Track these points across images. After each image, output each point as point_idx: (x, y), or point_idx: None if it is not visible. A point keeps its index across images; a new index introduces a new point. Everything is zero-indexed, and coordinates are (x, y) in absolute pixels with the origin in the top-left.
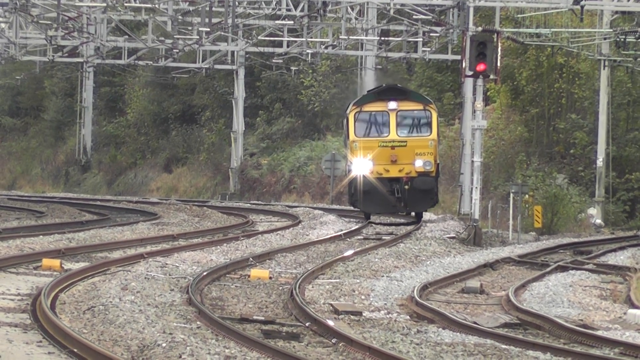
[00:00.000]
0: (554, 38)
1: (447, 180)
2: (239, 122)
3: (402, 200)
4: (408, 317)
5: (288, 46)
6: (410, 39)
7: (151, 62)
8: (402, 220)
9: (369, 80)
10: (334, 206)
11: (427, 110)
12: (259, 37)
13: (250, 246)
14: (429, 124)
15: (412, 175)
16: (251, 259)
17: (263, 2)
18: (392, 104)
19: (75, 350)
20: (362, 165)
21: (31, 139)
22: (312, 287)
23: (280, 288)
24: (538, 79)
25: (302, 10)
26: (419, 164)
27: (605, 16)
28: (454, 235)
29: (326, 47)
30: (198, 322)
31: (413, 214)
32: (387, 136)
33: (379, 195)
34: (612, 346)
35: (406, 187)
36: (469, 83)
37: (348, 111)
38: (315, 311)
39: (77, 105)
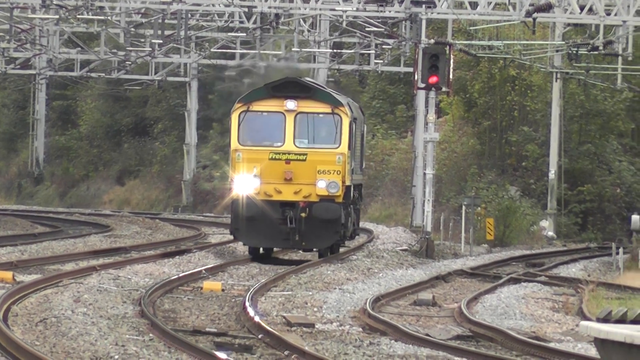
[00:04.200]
0: (507, 50)
1: (399, 192)
2: (191, 135)
3: (297, 231)
4: (360, 329)
5: (241, 58)
6: (362, 51)
7: (104, 74)
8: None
9: None
10: None
11: (336, 114)
12: (212, 50)
13: (203, 258)
14: (338, 133)
15: (311, 200)
16: (204, 271)
17: (216, 15)
18: (290, 104)
19: None
20: (245, 183)
21: None
22: (265, 299)
23: (233, 300)
24: (490, 92)
25: (254, 22)
26: (321, 185)
27: (558, 28)
28: (407, 247)
29: (279, 60)
30: (150, 334)
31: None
32: (281, 146)
33: (267, 223)
34: (564, 358)
35: (303, 215)
36: (421, 95)
37: (232, 110)
38: (267, 323)
39: (30, 117)
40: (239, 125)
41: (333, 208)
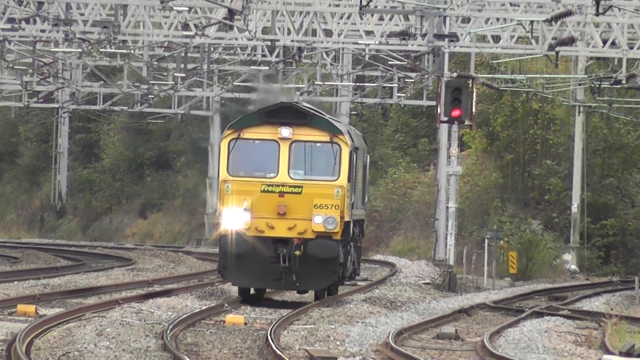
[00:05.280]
0: (529, 84)
1: (422, 225)
2: (214, 168)
3: (291, 271)
4: None
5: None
6: (385, 85)
7: (126, 108)
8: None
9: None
10: None
11: (335, 143)
12: (235, 83)
13: (225, 292)
14: (337, 164)
15: (306, 237)
16: (226, 304)
17: (238, 48)
18: (285, 131)
19: None
20: (234, 218)
21: (6, 184)
22: (287, 332)
23: (256, 334)
24: (513, 125)
25: (277, 55)
26: (318, 220)
27: (580, 62)
28: (429, 281)
29: (301, 93)
30: None
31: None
32: (274, 177)
33: (258, 262)
34: None
35: (297, 252)
36: (444, 129)
37: (221, 137)
38: (290, 357)
39: (53, 150)
40: (228, 154)
41: (330, 246)
